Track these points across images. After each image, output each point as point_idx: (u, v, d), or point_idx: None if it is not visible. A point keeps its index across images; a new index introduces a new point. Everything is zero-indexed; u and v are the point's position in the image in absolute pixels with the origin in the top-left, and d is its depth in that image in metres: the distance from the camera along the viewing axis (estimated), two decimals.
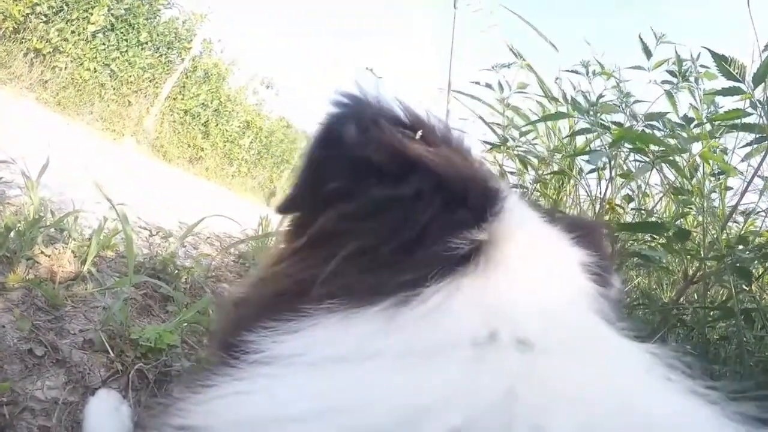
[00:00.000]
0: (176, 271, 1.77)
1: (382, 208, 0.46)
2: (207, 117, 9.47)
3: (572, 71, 1.89)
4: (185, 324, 1.33)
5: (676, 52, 1.67)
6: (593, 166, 1.66)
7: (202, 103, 9.26)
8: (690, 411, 0.35)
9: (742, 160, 1.52)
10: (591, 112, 1.56)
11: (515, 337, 0.37)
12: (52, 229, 1.68)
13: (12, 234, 1.43)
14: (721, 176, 1.54)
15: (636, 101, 1.66)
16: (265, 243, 2.39)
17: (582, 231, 0.56)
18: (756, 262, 1.35)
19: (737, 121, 1.38)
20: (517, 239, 0.46)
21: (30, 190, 1.65)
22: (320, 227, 0.49)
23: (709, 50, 1.41)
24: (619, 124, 1.63)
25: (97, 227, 1.65)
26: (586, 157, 1.78)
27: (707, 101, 1.60)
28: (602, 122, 1.57)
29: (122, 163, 5.07)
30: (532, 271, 0.46)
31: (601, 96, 1.76)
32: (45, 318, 1.23)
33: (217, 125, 9.79)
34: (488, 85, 1.99)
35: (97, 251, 1.56)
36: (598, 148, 1.77)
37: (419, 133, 0.48)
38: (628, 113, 1.61)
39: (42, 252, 1.50)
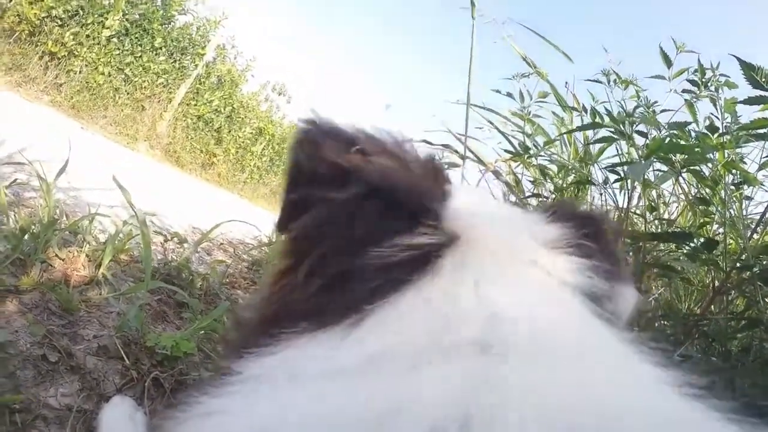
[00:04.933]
0: (191, 278, 1.75)
1: (326, 217, 0.49)
2: (220, 123, 9.52)
3: (593, 80, 1.87)
4: (202, 332, 1.31)
5: (699, 61, 1.66)
6: (617, 177, 1.63)
7: (216, 109, 9.31)
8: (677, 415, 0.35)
9: (759, 169, 1.50)
10: (626, 123, 1.54)
11: (469, 342, 0.36)
12: (67, 232, 1.67)
13: (26, 236, 1.41)
14: (742, 186, 1.52)
15: (663, 110, 1.64)
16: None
17: (582, 223, 0.55)
18: None
19: (764, 130, 1.37)
20: (468, 240, 0.46)
21: (45, 192, 1.64)
22: (288, 244, 0.55)
23: (737, 58, 1.40)
24: (641, 134, 1.61)
25: (113, 231, 1.64)
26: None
27: (728, 110, 1.58)
28: (638, 132, 1.55)
29: (135, 167, 5.08)
30: (484, 272, 0.44)
31: (625, 109, 1.74)
32: (59, 323, 1.22)
33: (229, 131, 9.84)
34: (509, 95, 1.98)
35: (113, 255, 1.54)
36: (619, 158, 1.76)
37: (357, 146, 0.50)
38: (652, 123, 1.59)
39: (56, 255, 1.49)
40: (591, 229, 0.55)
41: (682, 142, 1.49)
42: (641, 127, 1.62)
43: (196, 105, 8.90)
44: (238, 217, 2.29)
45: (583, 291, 0.47)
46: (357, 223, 0.46)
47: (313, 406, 0.35)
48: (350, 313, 0.42)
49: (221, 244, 2.71)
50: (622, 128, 1.53)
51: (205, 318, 1.35)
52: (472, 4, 1.85)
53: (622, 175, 1.63)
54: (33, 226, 1.46)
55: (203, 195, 6.33)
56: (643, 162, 1.42)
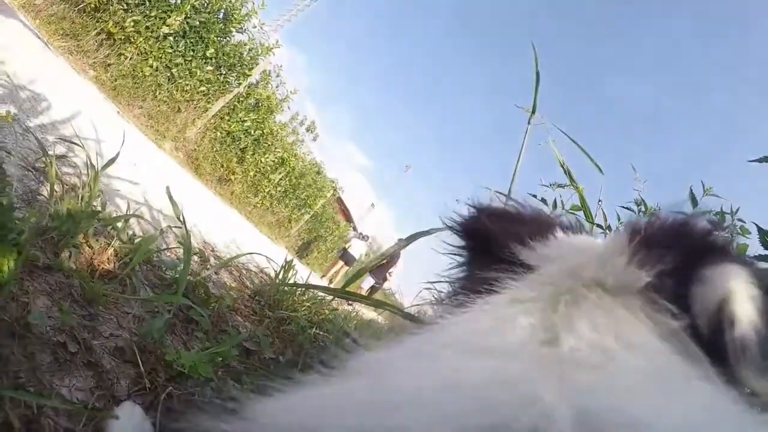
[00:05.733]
0: (206, 297, 1.77)
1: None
2: (246, 144, 9.68)
3: (626, 208, 1.96)
4: (219, 358, 1.33)
5: (722, 208, 1.78)
6: None
7: (246, 130, 9.49)
8: None
9: None
10: None
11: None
12: (98, 222, 1.70)
13: (70, 219, 1.45)
14: None
15: None
16: (287, 290, 2.40)
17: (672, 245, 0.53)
18: None
19: None
20: (537, 271, 0.59)
21: (92, 180, 1.68)
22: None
23: (757, 226, 1.52)
24: None
25: (139, 231, 1.67)
26: None
27: (740, 253, 1.66)
28: None
29: (156, 165, 5.14)
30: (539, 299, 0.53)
31: None
32: (80, 312, 1.23)
33: (253, 154, 10.00)
34: (543, 201, 2.05)
35: (143, 258, 1.57)
36: None
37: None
38: None
39: (88, 243, 1.51)
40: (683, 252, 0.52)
41: None
42: None
43: (229, 121, 9.07)
44: (244, 241, 2.32)
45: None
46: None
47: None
48: None
49: (228, 266, 2.73)
50: None
51: (222, 344, 1.37)
52: (533, 111, 1.94)
53: None
54: (78, 212, 1.49)
55: (215, 210, 6.37)
56: None
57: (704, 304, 0.47)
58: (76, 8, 6.18)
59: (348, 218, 19.68)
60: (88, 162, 1.77)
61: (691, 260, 0.50)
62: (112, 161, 1.83)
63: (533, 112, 1.99)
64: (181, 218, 1.64)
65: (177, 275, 1.71)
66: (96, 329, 1.21)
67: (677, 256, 0.51)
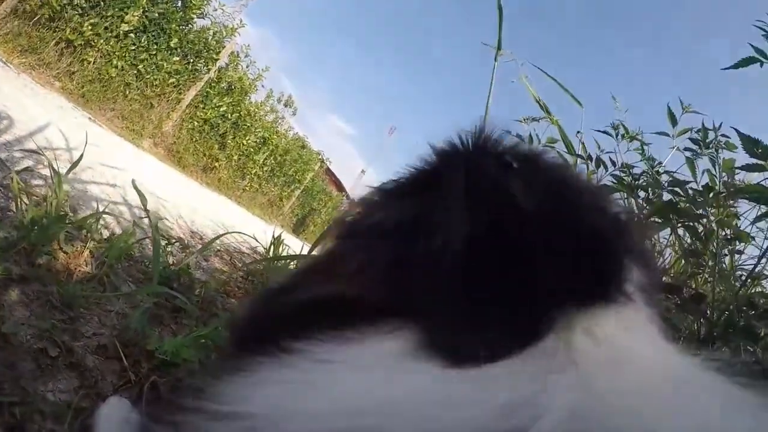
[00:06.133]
0: (190, 283, 1.77)
1: None
2: (225, 129, 9.60)
3: (603, 132, 1.93)
4: (203, 340, 1.33)
5: (703, 124, 1.73)
6: None
7: (223, 115, 9.39)
8: None
9: (751, 224, 1.55)
10: (641, 185, 1.62)
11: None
12: (70, 226, 1.68)
13: (35, 228, 1.43)
14: (734, 241, 1.57)
15: (666, 171, 1.71)
16: (281, 265, 2.39)
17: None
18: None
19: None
20: None
21: (57, 185, 1.66)
22: None
23: (737, 131, 1.48)
24: (643, 188, 1.66)
25: (118, 230, 1.66)
26: None
27: (726, 170, 1.64)
28: (641, 187, 1.62)
29: (138, 163, 5.09)
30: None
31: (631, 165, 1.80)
32: (59, 317, 1.23)
33: (234, 138, 9.93)
34: (519, 137, 2.03)
35: (117, 255, 1.56)
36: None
37: None
38: (652, 178, 1.65)
39: (61, 248, 1.50)
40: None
41: (681, 205, 1.54)
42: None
43: (204, 108, 8.98)
44: (236, 224, 2.31)
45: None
46: None
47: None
48: None
49: (218, 251, 2.72)
50: (632, 185, 1.60)
51: (207, 327, 1.37)
52: (498, 47, 1.89)
53: None
54: (44, 219, 1.48)
55: (202, 198, 6.34)
56: (649, 219, 1.49)
57: None
58: (31, 22, 6.03)
59: (340, 188, 19.64)
60: (51, 169, 1.74)
61: None
62: (75, 164, 1.81)
63: (498, 48, 1.94)
64: (146, 208, 1.62)
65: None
66: (77, 331, 1.21)
67: None
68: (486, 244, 0.48)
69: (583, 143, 2.21)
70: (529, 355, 0.39)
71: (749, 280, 1.53)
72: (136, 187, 1.62)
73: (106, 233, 1.88)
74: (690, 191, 1.60)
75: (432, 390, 0.37)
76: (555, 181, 0.55)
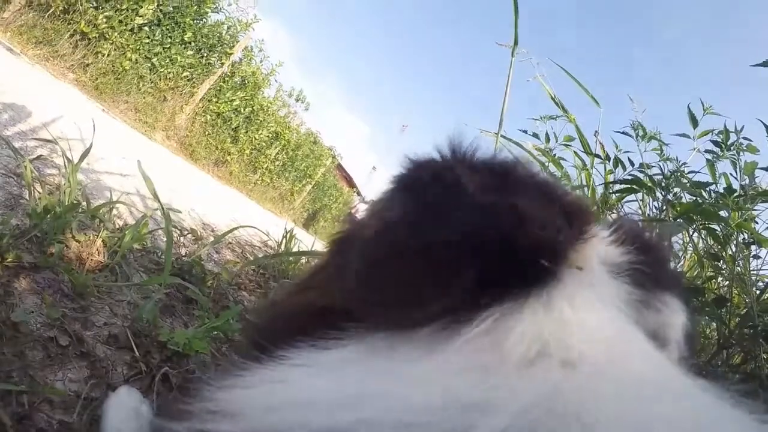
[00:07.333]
0: (203, 275, 1.75)
1: None
2: (238, 123, 9.61)
3: (622, 132, 1.90)
4: (215, 332, 1.31)
5: (725, 126, 1.71)
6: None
7: (235, 109, 9.40)
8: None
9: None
10: (663, 185, 1.60)
11: (561, 358, 0.39)
12: (83, 215, 1.68)
13: (48, 216, 1.42)
14: (752, 245, 1.55)
15: (690, 172, 1.68)
16: (292, 259, 2.38)
17: (643, 249, 0.56)
18: None
19: None
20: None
21: (70, 173, 1.65)
22: None
23: (764, 123, 1.45)
24: (664, 188, 1.64)
25: (128, 218, 1.64)
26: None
27: (747, 173, 1.61)
28: (661, 187, 1.60)
29: (150, 156, 5.11)
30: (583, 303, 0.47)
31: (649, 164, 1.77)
32: (70, 306, 1.22)
33: (246, 132, 9.94)
34: (535, 135, 2.00)
35: (130, 245, 1.55)
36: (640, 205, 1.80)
37: None
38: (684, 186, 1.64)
39: (74, 237, 1.49)
40: (651, 256, 0.56)
41: (704, 205, 1.52)
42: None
43: (217, 102, 8.99)
44: (247, 218, 2.31)
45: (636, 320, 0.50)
46: None
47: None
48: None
49: (229, 243, 2.72)
50: (653, 185, 1.58)
51: (219, 318, 1.35)
52: (515, 43, 1.86)
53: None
54: (57, 207, 1.47)
55: (214, 191, 6.36)
56: (672, 221, 1.47)
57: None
58: (46, 14, 6.04)
59: (351, 184, 19.64)
60: (64, 158, 1.73)
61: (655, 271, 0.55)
62: (86, 152, 1.79)
63: (515, 44, 1.91)
64: (155, 194, 1.61)
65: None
66: (88, 320, 1.20)
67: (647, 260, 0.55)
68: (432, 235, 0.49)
69: (601, 143, 2.19)
70: (468, 350, 0.41)
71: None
72: (142, 172, 1.60)
73: (119, 223, 1.88)
74: (712, 193, 1.57)
75: (385, 390, 0.39)
76: (503, 175, 0.54)
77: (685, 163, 1.73)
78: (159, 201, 1.58)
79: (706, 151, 1.76)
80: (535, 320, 0.43)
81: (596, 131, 2.16)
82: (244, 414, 0.39)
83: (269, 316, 0.70)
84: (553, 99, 2.13)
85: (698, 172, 1.72)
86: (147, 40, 7.26)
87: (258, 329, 0.66)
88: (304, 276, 0.74)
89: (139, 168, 1.61)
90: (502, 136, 1.95)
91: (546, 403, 0.34)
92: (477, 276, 0.45)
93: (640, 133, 1.94)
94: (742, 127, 1.68)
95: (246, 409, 0.40)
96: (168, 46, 7.63)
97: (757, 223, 1.59)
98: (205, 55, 8.43)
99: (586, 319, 0.45)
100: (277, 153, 11.28)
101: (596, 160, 2.08)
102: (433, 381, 0.39)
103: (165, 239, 1.86)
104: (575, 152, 2.17)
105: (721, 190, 1.51)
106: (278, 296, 0.68)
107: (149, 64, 7.46)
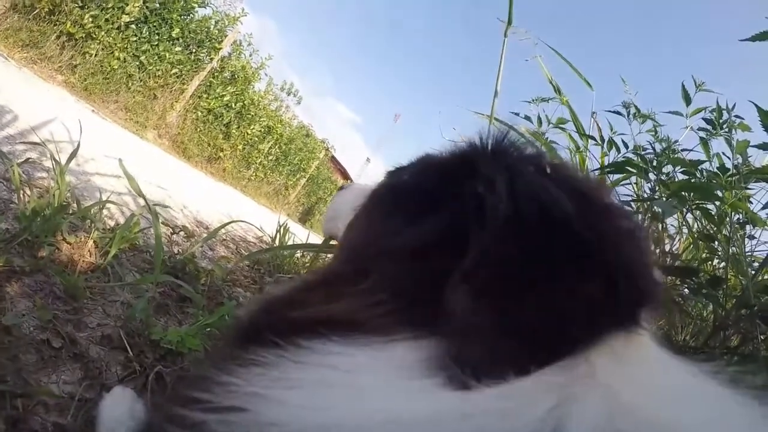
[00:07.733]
0: (196, 272, 1.74)
1: None
2: (230, 118, 9.55)
3: (613, 112, 1.89)
4: (208, 329, 1.31)
5: (717, 102, 1.69)
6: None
7: (226, 104, 9.33)
8: None
9: (763, 208, 1.53)
10: (654, 164, 1.59)
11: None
12: (74, 217, 1.67)
13: (38, 219, 1.41)
14: (746, 225, 1.54)
15: (683, 149, 1.68)
16: (287, 253, 2.37)
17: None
18: None
19: None
20: None
21: (59, 175, 1.63)
22: None
23: (756, 105, 1.44)
24: (656, 168, 1.63)
25: (120, 219, 1.63)
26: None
27: (740, 151, 1.60)
28: (654, 167, 1.59)
29: (142, 155, 5.08)
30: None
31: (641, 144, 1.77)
32: (63, 308, 1.21)
33: (238, 127, 9.89)
34: (527, 118, 1.99)
35: (121, 245, 1.54)
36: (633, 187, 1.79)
37: None
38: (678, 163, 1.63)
39: (64, 239, 1.48)
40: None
41: (696, 182, 1.51)
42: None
43: (207, 98, 8.92)
44: (241, 214, 2.30)
45: None
46: None
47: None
48: None
49: (224, 240, 2.70)
50: (644, 164, 1.57)
51: (212, 315, 1.34)
52: (509, 22, 1.84)
53: (633, 207, 1.66)
54: (46, 209, 1.45)
55: (208, 189, 6.34)
56: (665, 200, 1.46)
57: None
58: (31, 16, 5.96)
59: (345, 176, 19.64)
60: (53, 161, 1.71)
61: None
62: (74, 153, 1.77)
63: (509, 23, 1.88)
64: (140, 191, 1.60)
65: (162, 257, 1.68)
66: (81, 321, 1.19)
67: None
68: (519, 252, 0.44)
69: (598, 125, 2.17)
70: (552, 372, 0.38)
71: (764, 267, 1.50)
72: (123, 168, 1.59)
73: (110, 224, 1.86)
74: (704, 172, 1.57)
75: (456, 406, 0.35)
76: (584, 194, 0.49)
77: (677, 141, 1.72)
78: (144, 198, 1.56)
79: (699, 129, 1.75)
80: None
81: (593, 112, 2.14)
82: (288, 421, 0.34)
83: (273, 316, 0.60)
84: (550, 81, 2.11)
85: (692, 150, 1.71)
86: (134, 38, 7.18)
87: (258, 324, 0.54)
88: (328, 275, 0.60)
89: (120, 165, 1.60)
90: (495, 119, 1.94)
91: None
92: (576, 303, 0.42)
93: (632, 111, 1.93)
94: (734, 105, 1.67)
95: (289, 413, 0.35)
96: (156, 43, 7.56)
97: (751, 203, 1.58)
98: (194, 50, 8.35)
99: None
100: (270, 147, 11.23)
101: (590, 142, 2.06)
102: (521, 398, 0.36)
103: (155, 237, 1.86)
104: (569, 135, 2.16)
105: (715, 169, 1.51)
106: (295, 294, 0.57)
107: (137, 63, 7.39)
